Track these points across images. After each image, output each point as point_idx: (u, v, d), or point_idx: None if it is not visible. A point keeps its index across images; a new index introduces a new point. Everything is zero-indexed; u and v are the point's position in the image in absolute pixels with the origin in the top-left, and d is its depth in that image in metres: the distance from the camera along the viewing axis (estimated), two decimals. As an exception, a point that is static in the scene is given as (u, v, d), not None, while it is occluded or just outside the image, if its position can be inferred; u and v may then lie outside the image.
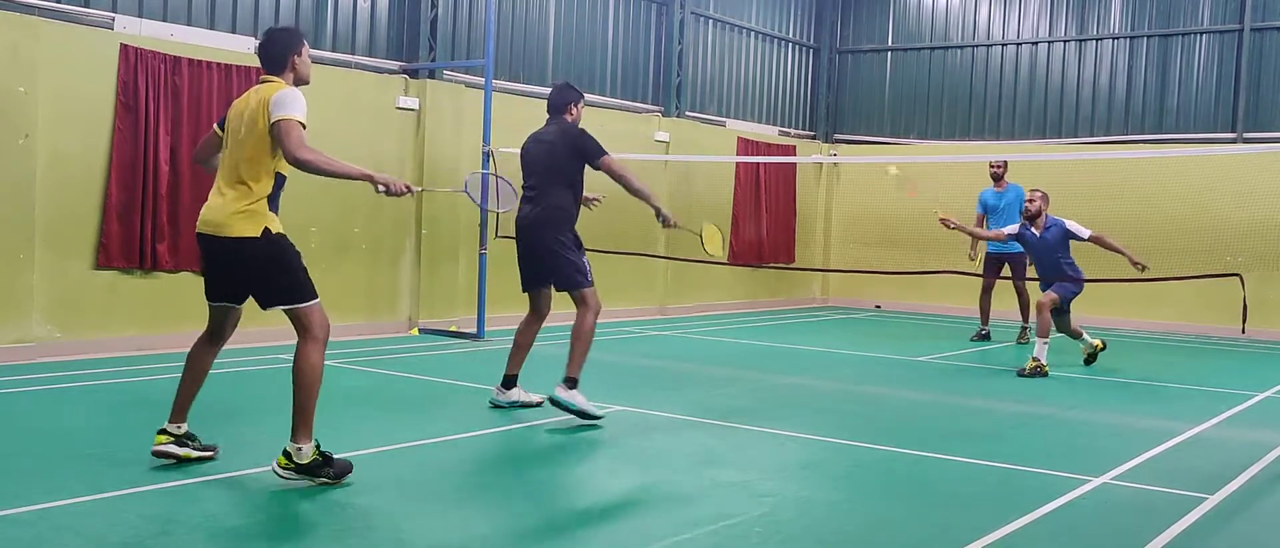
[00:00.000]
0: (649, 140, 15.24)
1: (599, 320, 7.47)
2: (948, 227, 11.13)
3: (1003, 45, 17.46)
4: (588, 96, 14.38)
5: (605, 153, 7.31)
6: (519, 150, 7.77)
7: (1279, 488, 6.30)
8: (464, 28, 13.07)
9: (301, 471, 5.39)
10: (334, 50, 11.81)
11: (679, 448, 6.80)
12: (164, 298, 10.26)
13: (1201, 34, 15.91)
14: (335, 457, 5.54)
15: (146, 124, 9.97)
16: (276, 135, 5.33)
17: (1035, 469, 6.45)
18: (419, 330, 12.31)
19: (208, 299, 5.82)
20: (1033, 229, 10.71)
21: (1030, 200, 10.76)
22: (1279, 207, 14.15)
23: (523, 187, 7.59)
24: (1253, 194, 14.37)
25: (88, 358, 9.49)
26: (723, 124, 16.92)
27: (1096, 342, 11.02)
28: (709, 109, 16.73)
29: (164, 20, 10.35)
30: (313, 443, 5.42)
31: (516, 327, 7.83)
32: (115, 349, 9.86)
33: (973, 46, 17.71)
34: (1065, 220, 10.68)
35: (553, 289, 7.64)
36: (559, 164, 7.35)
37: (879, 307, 17.86)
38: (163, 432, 5.81)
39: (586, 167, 7.41)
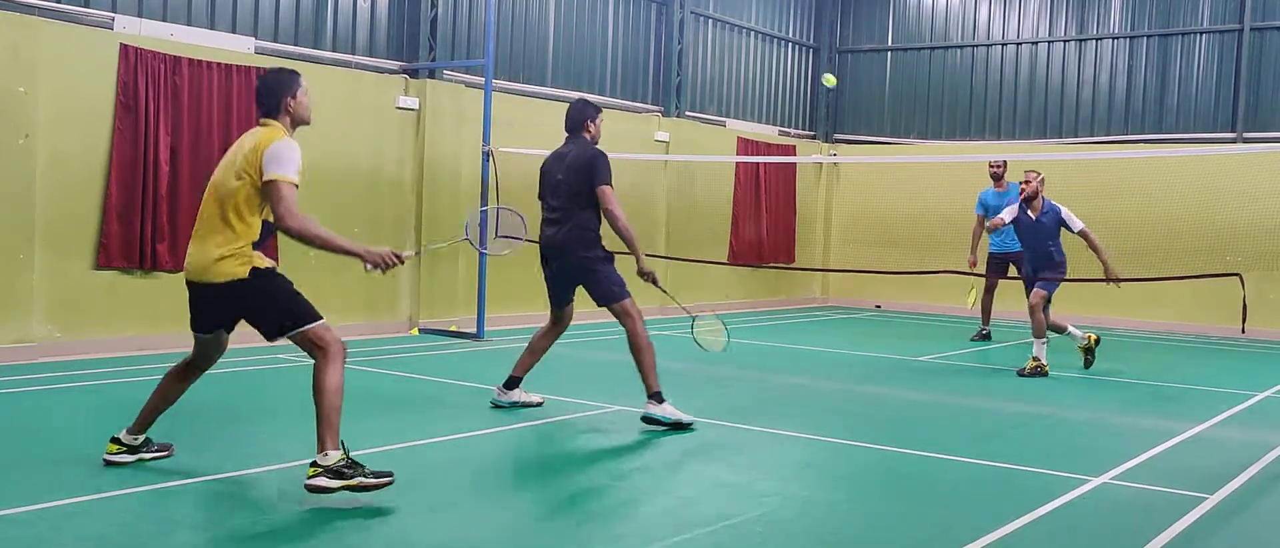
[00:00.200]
0: (649, 140, 15.23)
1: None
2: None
3: (1003, 45, 17.46)
4: (588, 97, 14.45)
5: (608, 185, 7.27)
6: (538, 166, 7.73)
7: (1279, 488, 6.30)
8: (464, 28, 13.07)
9: (329, 474, 5.14)
10: (334, 50, 11.81)
11: (679, 448, 6.80)
12: (164, 298, 10.26)
13: (1201, 34, 15.91)
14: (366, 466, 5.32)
15: (146, 124, 9.97)
16: (268, 196, 5.23)
17: (1035, 469, 6.45)
18: (419, 331, 12.31)
19: (194, 331, 5.76)
20: (1030, 211, 10.59)
21: (1026, 181, 10.50)
22: (1279, 207, 14.15)
23: (543, 206, 7.53)
24: (1253, 194, 14.37)
25: (88, 358, 9.49)
26: (723, 124, 16.92)
27: (1090, 335, 10.91)
28: (709, 109, 16.73)
29: (164, 20, 10.35)
30: (340, 449, 5.20)
31: (534, 332, 7.81)
32: (115, 349, 9.86)
33: (973, 46, 17.71)
34: (1061, 207, 10.54)
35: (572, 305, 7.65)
36: (581, 186, 7.29)
37: (879, 307, 17.86)
38: (115, 441, 5.78)
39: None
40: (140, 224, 9.99)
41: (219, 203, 5.39)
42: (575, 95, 14.28)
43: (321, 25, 11.71)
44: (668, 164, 15.43)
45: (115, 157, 9.83)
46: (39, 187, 9.43)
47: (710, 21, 16.63)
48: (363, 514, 5.12)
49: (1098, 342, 10.95)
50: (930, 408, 8.88)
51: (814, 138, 18.90)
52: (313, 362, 5.40)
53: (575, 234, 7.30)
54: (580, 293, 7.57)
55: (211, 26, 10.73)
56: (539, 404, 7.81)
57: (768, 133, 17.80)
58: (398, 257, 5.50)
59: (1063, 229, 10.48)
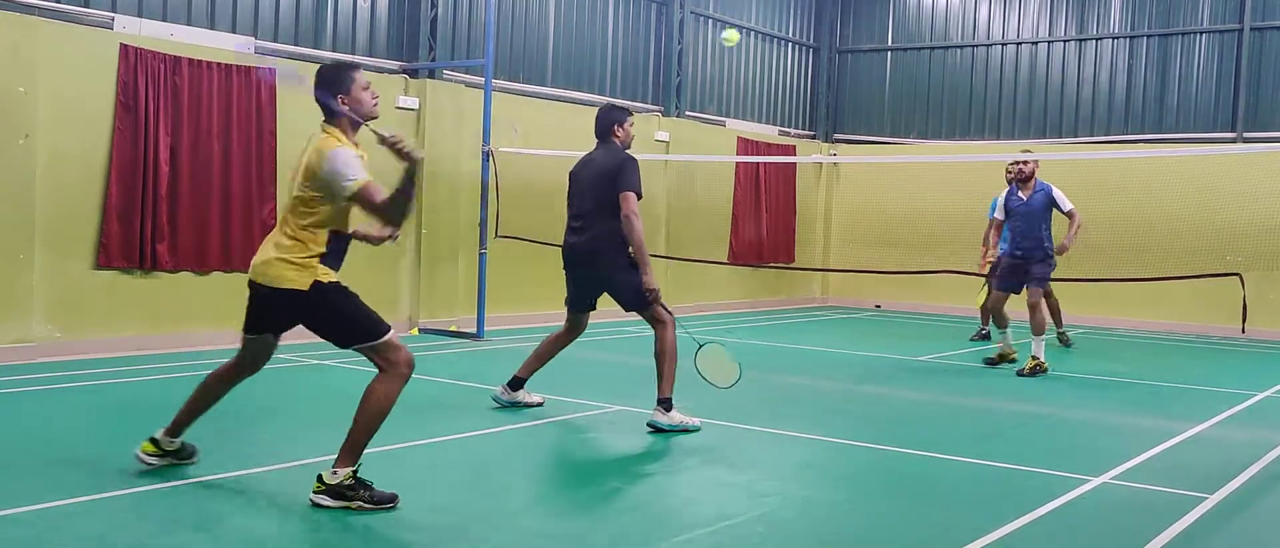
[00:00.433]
0: (649, 140, 15.22)
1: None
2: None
3: (1003, 45, 17.46)
4: (587, 96, 14.47)
5: (632, 191, 7.09)
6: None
7: (1279, 488, 6.30)
8: (464, 27, 13.07)
9: (332, 493, 5.07)
10: (334, 50, 11.81)
11: (679, 448, 6.80)
12: (164, 298, 10.26)
13: (1201, 33, 15.92)
14: (376, 488, 5.18)
15: (146, 124, 9.97)
16: (360, 205, 5.06)
17: (1035, 469, 6.45)
18: (419, 330, 12.31)
19: (245, 333, 5.54)
20: (1021, 193, 10.56)
21: (1023, 163, 10.46)
22: (1279, 206, 14.15)
23: (569, 213, 7.45)
24: (1253, 194, 14.37)
25: (88, 358, 9.49)
26: (723, 124, 16.92)
27: (1012, 349, 10.84)
28: (709, 109, 16.73)
29: (164, 20, 10.35)
30: (351, 469, 5.10)
31: (545, 335, 7.78)
32: (115, 349, 9.86)
33: (973, 46, 17.71)
34: (1052, 186, 10.49)
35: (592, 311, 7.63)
36: (607, 193, 7.17)
37: (879, 306, 17.86)
38: (152, 441, 5.66)
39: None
40: (140, 224, 9.99)
41: (288, 207, 5.23)
42: (575, 95, 14.35)
43: (321, 25, 11.71)
44: (668, 164, 15.43)
45: (115, 157, 9.83)
46: (39, 187, 9.43)
47: (710, 21, 16.63)
48: (363, 515, 5.12)
49: (1014, 359, 10.84)
50: (930, 408, 8.88)
51: (814, 138, 18.90)
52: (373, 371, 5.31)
53: (601, 243, 7.20)
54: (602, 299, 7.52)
55: (211, 26, 10.73)
56: (539, 404, 7.81)
57: (768, 133, 17.80)
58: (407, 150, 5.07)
59: (1053, 210, 10.43)
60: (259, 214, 10.89)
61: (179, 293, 10.37)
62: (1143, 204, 14.97)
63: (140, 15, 10.18)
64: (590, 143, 7.58)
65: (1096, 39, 16.67)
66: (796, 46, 18.49)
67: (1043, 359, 10.23)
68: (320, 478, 5.11)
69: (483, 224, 12.10)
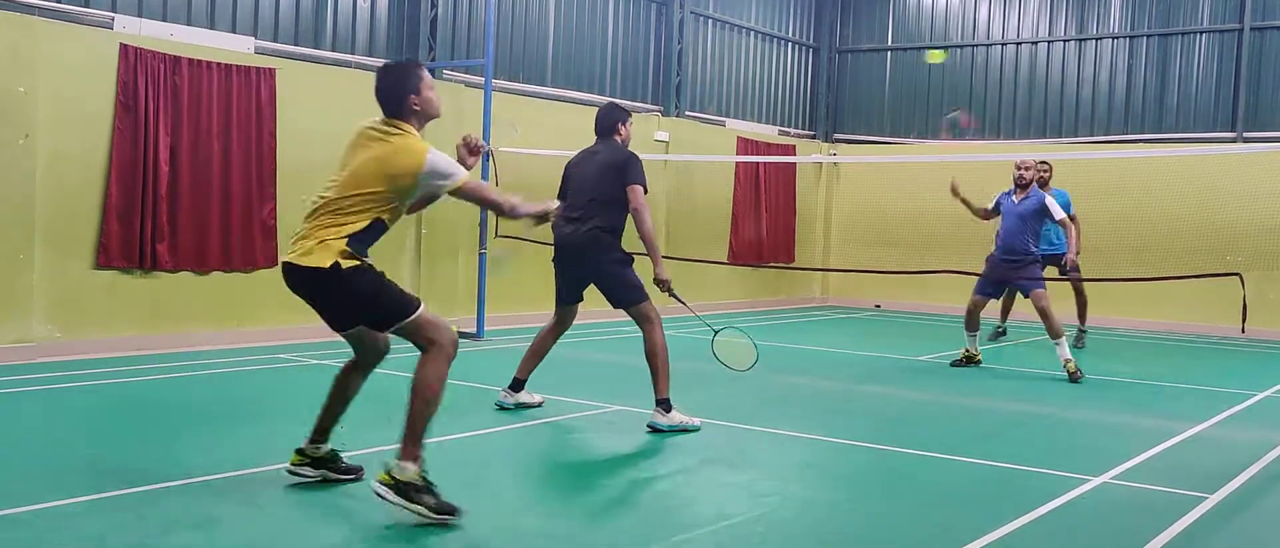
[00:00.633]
0: (649, 140, 15.22)
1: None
2: (955, 195, 10.87)
3: (1002, 45, 17.47)
4: (587, 96, 14.47)
5: (641, 186, 7.19)
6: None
7: (1279, 488, 6.30)
8: (464, 27, 13.07)
9: (399, 490, 4.83)
10: (334, 50, 11.81)
11: (679, 448, 6.80)
12: (164, 298, 10.26)
13: (1201, 33, 15.92)
14: (440, 495, 4.94)
15: (146, 124, 9.97)
16: (467, 199, 5.13)
17: (1035, 469, 6.45)
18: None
19: (335, 330, 5.39)
20: (1015, 195, 10.55)
21: (1026, 168, 10.42)
22: (1279, 206, 14.15)
23: (565, 205, 7.46)
24: (1253, 194, 14.37)
25: (88, 358, 9.49)
26: (722, 124, 16.92)
27: (978, 352, 10.83)
28: (709, 109, 16.73)
29: (164, 20, 10.35)
30: (418, 465, 4.89)
31: (536, 333, 7.80)
32: (115, 349, 9.85)
33: (972, 46, 17.71)
34: (1046, 195, 10.45)
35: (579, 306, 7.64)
36: (610, 187, 7.21)
37: (879, 306, 17.87)
38: (300, 452, 5.46)
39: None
40: (140, 224, 9.99)
41: (339, 194, 5.05)
42: (575, 95, 14.35)
43: (321, 25, 11.71)
44: (667, 164, 15.43)
45: (115, 156, 9.83)
46: (39, 187, 9.43)
47: (710, 21, 16.63)
48: (362, 515, 5.12)
49: (980, 363, 10.85)
50: (930, 408, 8.88)
51: (814, 138, 18.90)
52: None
53: (594, 235, 7.22)
54: (592, 293, 7.52)
55: (211, 26, 10.73)
56: (539, 404, 7.81)
57: (768, 132, 17.80)
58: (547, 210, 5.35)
59: (1046, 218, 10.43)
60: (259, 214, 10.89)
61: (179, 293, 10.37)
62: (1143, 204, 14.96)
63: (140, 15, 10.18)
64: (590, 141, 7.60)
65: (1096, 39, 16.67)
66: (796, 46, 18.49)
67: (1071, 358, 10.12)
68: (387, 468, 4.87)
69: (482, 224, 12.10)
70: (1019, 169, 10.60)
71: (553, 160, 11.79)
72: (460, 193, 5.02)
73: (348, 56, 11.90)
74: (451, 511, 4.91)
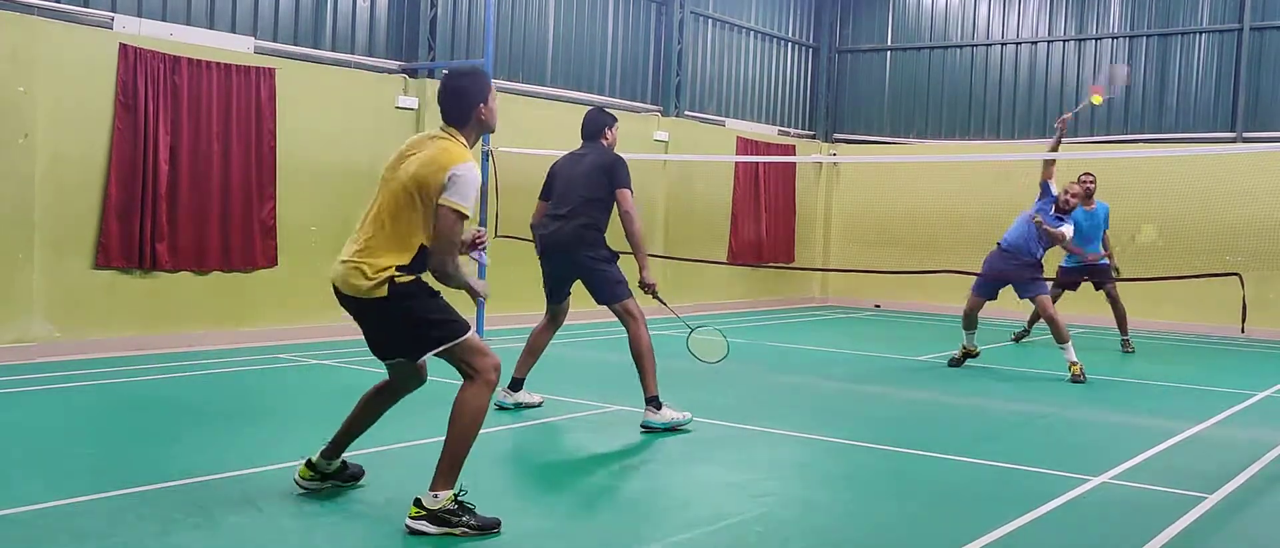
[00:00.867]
0: (649, 140, 15.23)
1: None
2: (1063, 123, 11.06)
3: (1002, 45, 17.47)
4: (587, 96, 14.47)
5: (629, 189, 7.30)
6: (548, 167, 7.72)
7: (1278, 488, 6.30)
8: (463, 27, 13.07)
9: (435, 520, 4.73)
10: (334, 50, 11.81)
11: (678, 448, 6.80)
12: (163, 298, 10.26)
13: (1201, 33, 15.92)
14: (478, 512, 4.85)
15: (146, 124, 9.97)
16: (435, 216, 4.71)
17: (1035, 469, 6.45)
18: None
19: (376, 357, 5.17)
20: (1059, 215, 10.52)
21: (1074, 195, 10.57)
22: (1278, 206, 14.15)
23: (551, 203, 7.51)
24: (1253, 194, 14.37)
25: (87, 358, 9.49)
26: (722, 124, 16.92)
27: (976, 348, 10.86)
28: (708, 109, 16.73)
29: (163, 20, 10.35)
30: (452, 491, 4.77)
31: (531, 330, 7.82)
32: (115, 349, 9.85)
33: (972, 46, 17.72)
34: (1070, 227, 10.57)
35: (569, 302, 7.68)
36: (598, 188, 7.32)
37: (878, 306, 17.86)
38: (310, 466, 5.34)
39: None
40: (140, 224, 9.99)
41: (381, 211, 4.83)
42: (575, 95, 14.35)
43: (321, 25, 11.71)
44: (667, 164, 15.43)
45: (115, 156, 9.83)
46: (38, 186, 9.43)
47: (710, 21, 16.62)
48: (362, 515, 5.12)
49: (977, 355, 10.90)
50: (930, 408, 8.88)
51: (813, 137, 18.90)
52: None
53: (580, 232, 7.31)
54: (581, 292, 7.57)
55: (211, 26, 10.73)
56: (538, 404, 7.82)
57: (767, 132, 17.80)
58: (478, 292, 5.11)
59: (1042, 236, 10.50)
60: (259, 214, 10.90)
61: (178, 293, 10.37)
62: (1142, 204, 14.96)
63: (140, 15, 10.18)
64: None
65: (1096, 39, 16.67)
66: (796, 46, 18.49)
67: (1077, 361, 10.13)
68: (418, 502, 4.76)
69: (482, 224, 12.10)
70: (1084, 183, 11.33)
71: (552, 160, 11.81)
72: (440, 214, 4.69)
73: (347, 56, 11.90)
74: (495, 524, 4.84)
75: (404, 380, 5.28)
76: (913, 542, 5.07)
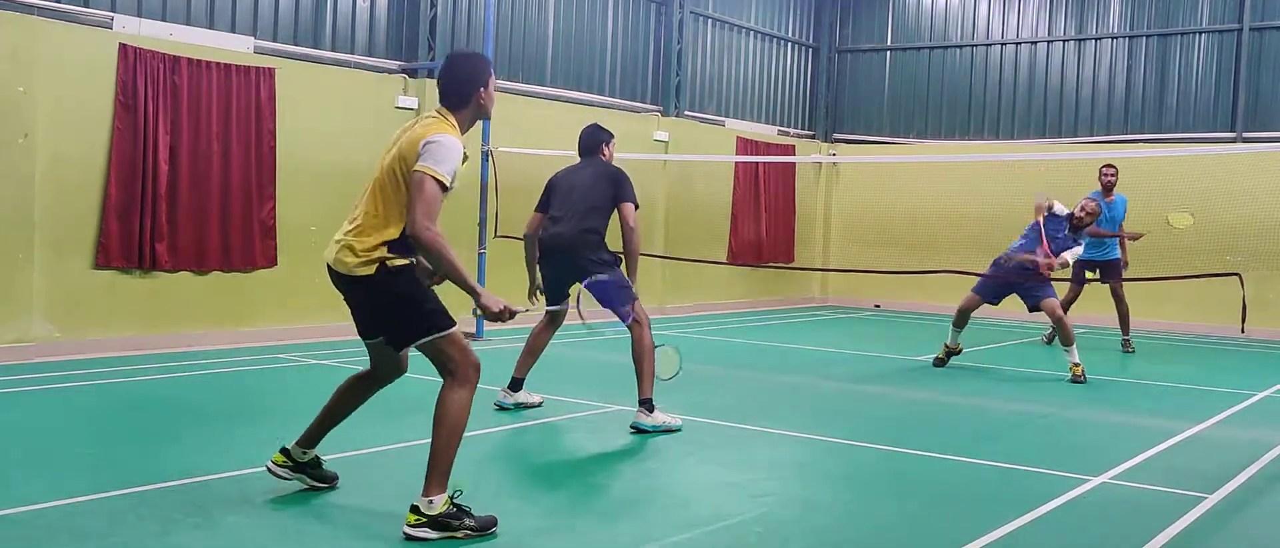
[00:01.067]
0: (648, 140, 15.23)
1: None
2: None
3: (1002, 45, 17.47)
4: (587, 96, 14.48)
5: (634, 204, 7.42)
6: (548, 177, 7.76)
7: (1278, 488, 6.30)
8: (463, 27, 13.07)
9: (434, 525, 4.72)
10: (334, 50, 11.81)
11: (677, 448, 6.80)
12: (163, 297, 10.26)
13: (1200, 33, 15.92)
14: (474, 512, 4.85)
15: (146, 124, 9.97)
16: (410, 185, 4.70)
17: (1035, 469, 6.45)
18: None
19: (360, 336, 5.21)
20: (1068, 230, 10.44)
21: (1090, 214, 10.46)
22: (1278, 206, 14.15)
23: (550, 211, 7.57)
24: (1253, 194, 14.37)
25: (87, 358, 9.48)
26: (722, 123, 16.92)
27: (959, 346, 10.86)
28: (708, 109, 16.73)
29: (163, 20, 10.35)
30: (446, 495, 4.77)
31: (530, 331, 7.84)
32: (114, 349, 9.85)
33: (972, 46, 17.71)
34: (1079, 249, 10.51)
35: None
36: (600, 199, 7.43)
37: (878, 306, 17.86)
38: (284, 453, 5.33)
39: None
40: (139, 224, 9.99)
41: (375, 191, 4.89)
42: (575, 95, 14.35)
43: (321, 25, 11.71)
44: (667, 164, 15.43)
45: (114, 156, 9.83)
46: (38, 186, 9.43)
47: (709, 21, 16.62)
48: (361, 515, 5.12)
49: (959, 352, 10.90)
50: (930, 408, 8.88)
51: (813, 137, 18.90)
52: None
53: (584, 238, 7.37)
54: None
55: (211, 26, 10.73)
56: (538, 405, 7.82)
57: (767, 132, 17.80)
58: (511, 311, 4.94)
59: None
60: (258, 214, 10.89)
61: (178, 293, 10.36)
62: (1142, 205, 14.94)
63: (140, 15, 10.18)
64: None
65: (1095, 39, 16.67)
66: (796, 46, 18.49)
67: (1079, 363, 10.13)
68: (415, 509, 4.74)
69: (482, 224, 12.10)
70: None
71: (552, 160, 11.82)
72: (416, 182, 4.65)
73: (347, 56, 11.90)
74: (492, 523, 4.87)
75: (384, 368, 5.30)
76: (913, 542, 5.07)
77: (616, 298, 7.39)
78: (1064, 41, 16.93)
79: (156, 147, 10.04)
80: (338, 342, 10.44)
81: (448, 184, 4.74)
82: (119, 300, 10.00)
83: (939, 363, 10.86)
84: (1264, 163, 14.30)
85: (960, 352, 10.92)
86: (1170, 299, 15.08)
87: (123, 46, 9.83)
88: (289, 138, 11.08)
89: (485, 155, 12.08)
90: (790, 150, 17.95)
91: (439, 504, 4.75)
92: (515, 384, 7.75)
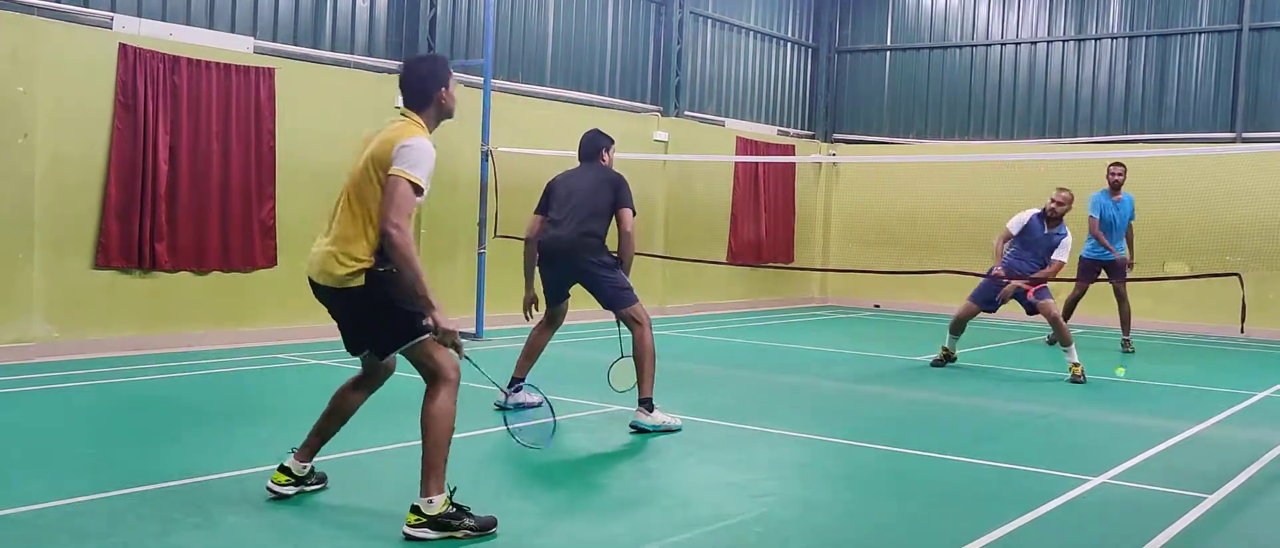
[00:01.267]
0: (648, 140, 15.23)
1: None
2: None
3: (1002, 45, 17.47)
4: (587, 96, 14.47)
5: (632, 210, 7.46)
6: (547, 180, 7.79)
7: (1278, 488, 6.30)
8: (463, 27, 13.07)
9: (434, 525, 4.74)
10: (334, 50, 11.80)
11: (677, 448, 6.80)
12: (163, 298, 10.26)
13: (1200, 33, 15.92)
14: (474, 511, 4.88)
15: (146, 124, 9.97)
16: (384, 187, 4.72)
17: (1035, 469, 6.45)
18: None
19: (347, 351, 5.29)
20: (1045, 226, 10.54)
21: (1058, 202, 10.43)
22: (1278, 206, 14.15)
23: (550, 214, 7.58)
24: (1252, 194, 14.37)
25: (87, 358, 9.48)
26: (722, 124, 16.92)
27: (954, 352, 10.89)
28: (708, 109, 16.73)
29: (163, 20, 10.34)
30: (445, 494, 4.80)
31: (530, 331, 7.86)
32: (114, 349, 9.85)
33: (972, 46, 17.71)
34: (1067, 239, 10.49)
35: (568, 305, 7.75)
36: (600, 203, 7.46)
37: (878, 306, 17.86)
38: (284, 471, 5.30)
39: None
40: (139, 224, 9.99)
41: (351, 200, 4.89)
42: (575, 95, 14.35)
43: (321, 25, 11.71)
44: (666, 164, 15.43)
45: (114, 156, 9.82)
46: (38, 186, 9.42)
47: (709, 21, 16.62)
48: (360, 515, 5.12)
49: (954, 360, 10.94)
50: (930, 408, 8.88)
51: (813, 138, 18.90)
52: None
53: (583, 240, 7.40)
54: (580, 292, 7.60)
55: (211, 26, 10.73)
56: (538, 404, 7.80)
57: (767, 132, 17.80)
58: (459, 344, 4.90)
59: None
60: (258, 214, 10.89)
61: (178, 293, 10.36)
62: (1142, 205, 14.94)
63: (139, 15, 10.17)
64: None
65: (1095, 39, 16.67)
66: (796, 46, 18.49)
67: (1078, 363, 10.13)
68: (415, 509, 4.77)
69: (481, 224, 12.10)
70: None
71: (551, 160, 11.82)
72: (390, 185, 4.68)
73: (347, 56, 11.90)
74: (492, 522, 4.89)
75: (375, 373, 5.37)
76: (913, 542, 5.07)
77: (616, 300, 7.42)
78: (1064, 41, 16.93)
79: (156, 146, 10.03)
80: (337, 342, 10.35)
81: (422, 188, 4.78)
82: (119, 300, 9.99)
83: (937, 364, 10.88)
84: (1264, 163, 14.30)
85: (955, 358, 10.92)
86: (1170, 299, 15.09)
87: (123, 46, 9.83)
88: (289, 138, 11.08)
89: (485, 155, 12.08)
90: (790, 150, 17.95)
91: (438, 504, 4.77)
92: (515, 384, 7.76)
